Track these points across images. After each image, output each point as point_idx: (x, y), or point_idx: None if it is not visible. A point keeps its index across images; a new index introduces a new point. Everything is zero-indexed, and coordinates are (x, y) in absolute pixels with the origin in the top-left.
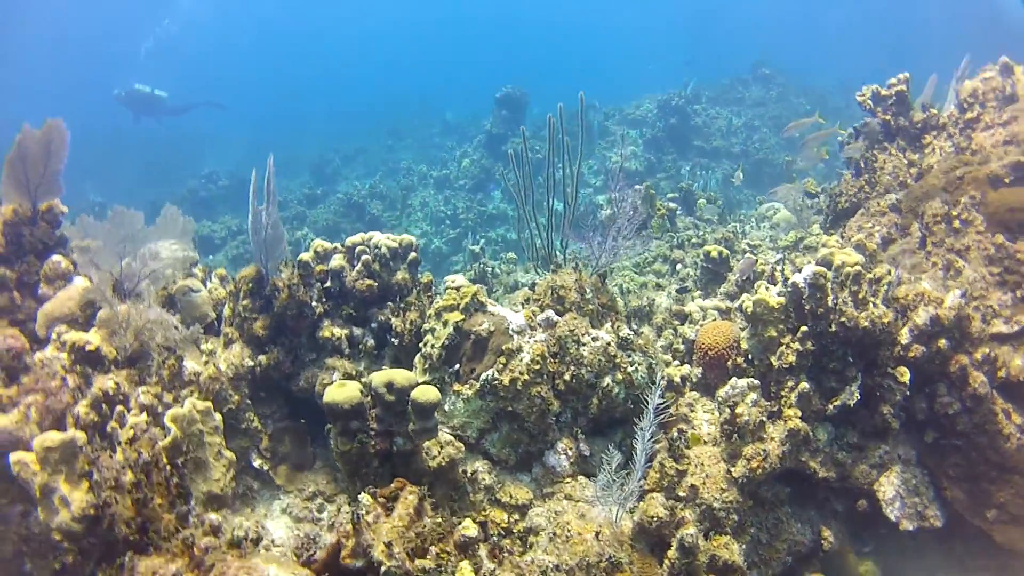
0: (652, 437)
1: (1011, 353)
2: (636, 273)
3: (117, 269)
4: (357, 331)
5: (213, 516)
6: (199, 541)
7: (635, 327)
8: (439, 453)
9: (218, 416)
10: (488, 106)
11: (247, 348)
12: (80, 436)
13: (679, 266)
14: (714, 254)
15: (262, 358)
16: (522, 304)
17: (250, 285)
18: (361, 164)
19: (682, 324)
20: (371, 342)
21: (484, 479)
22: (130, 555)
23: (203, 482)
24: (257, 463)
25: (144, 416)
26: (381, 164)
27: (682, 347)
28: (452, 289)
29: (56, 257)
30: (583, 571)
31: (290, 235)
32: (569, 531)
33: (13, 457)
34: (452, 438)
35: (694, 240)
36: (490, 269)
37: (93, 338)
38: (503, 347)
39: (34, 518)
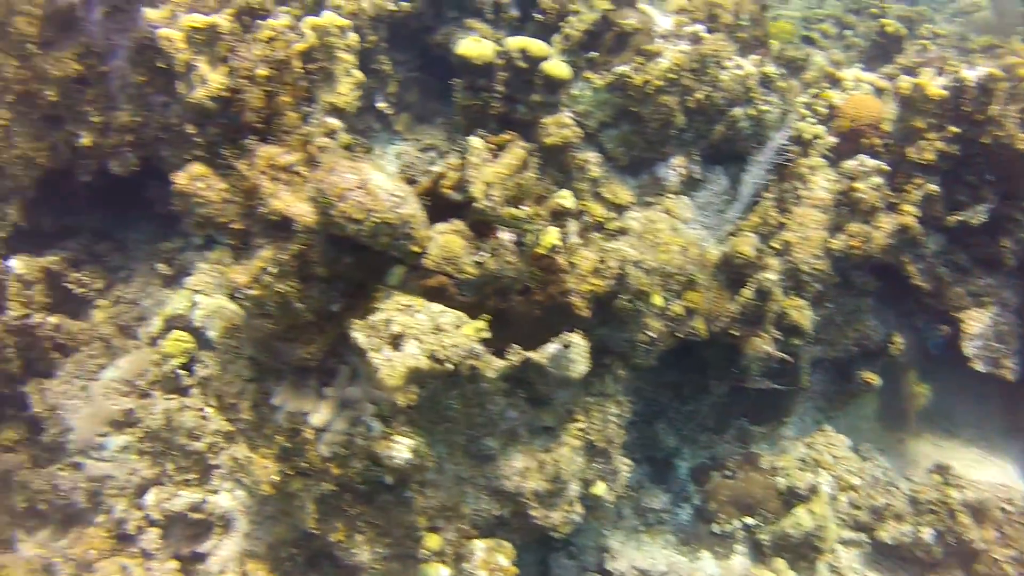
0: (763, 179)
1: None
2: (802, 26)
3: None
4: None
5: (332, 120)
6: (315, 139)
7: (782, 72)
8: (556, 132)
9: (354, 36)
10: None
11: None
12: (223, 23)
13: (848, 32)
14: (890, 30)
15: (404, 4)
16: (674, 13)
17: None
18: None
19: (831, 88)
20: (515, 12)
21: (593, 171)
22: (253, 139)
23: (329, 93)
24: (381, 105)
25: (284, 20)
26: None
27: (824, 110)
28: None
29: None
30: (659, 276)
31: None
32: (658, 239)
33: (161, 32)
34: (572, 122)
35: (873, 11)
36: None
37: None
38: (644, 47)
39: (173, 109)
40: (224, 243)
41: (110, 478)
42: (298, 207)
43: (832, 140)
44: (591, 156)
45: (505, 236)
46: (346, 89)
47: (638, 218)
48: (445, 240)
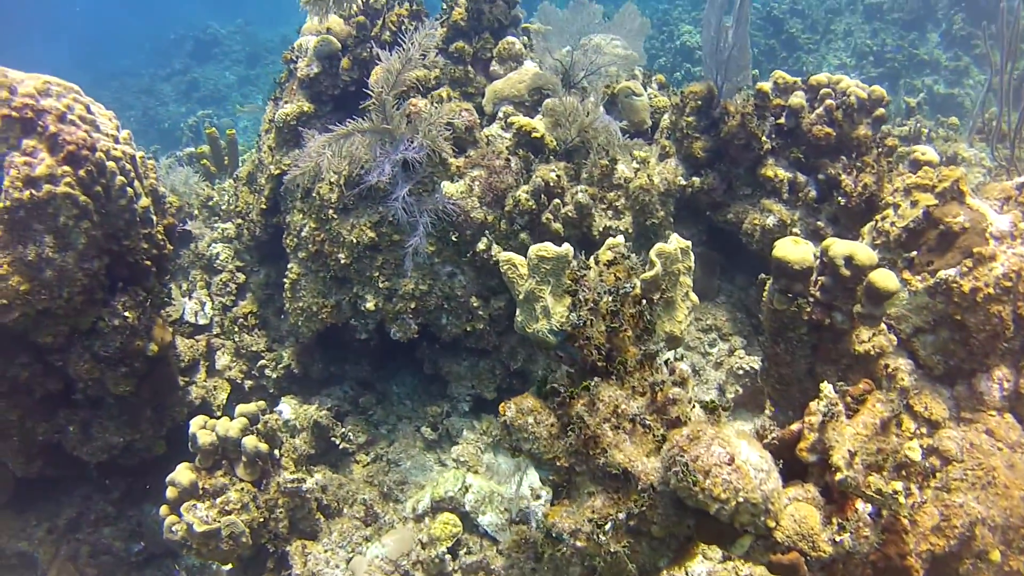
0: None
1: None
2: None
3: (567, 58)
4: (801, 178)
5: (683, 366)
6: (667, 390)
7: None
8: (869, 340)
9: (691, 257)
10: None
11: (682, 166)
12: (569, 250)
13: None
14: None
15: (695, 180)
16: (1000, 202)
17: (698, 103)
18: None
19: None
20: (813, 193)
21: (902, 380)
22: (596, 380)
23: (667, 321)
24: None
25: (622, 239)
26: None
27: None
28: (928, 167)
29: (511, 38)
30: (1000, 531)
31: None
32: (993, 478)
33: (504, 256)
34: (885, 328)
35: None
36: (925, 131)
37: (539, 126)
38: (974, 249)
39: (458, 279)
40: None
41: None
42: (643, 464)
43: None
44: (902, 363)
45: (862, 507)
46: (682, 315)
47: (955, 438)
48: (800, 512)
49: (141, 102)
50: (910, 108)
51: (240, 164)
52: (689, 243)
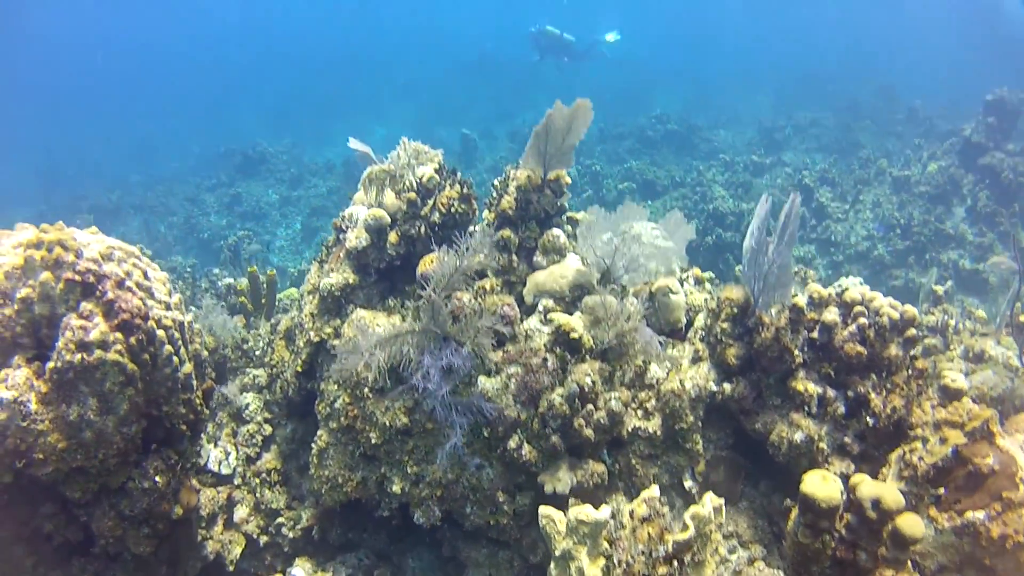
0: None
1: None
2: None
3: (608, 246)
4: (830, 393)
5: None
6: None
7: None
8: None
9: (724, 511)
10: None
11: (713, 371)
12: (607, 515)
13: None
14: None
15: (726, 386)
16: None
17: (734, 310)
18: (813, 138)
19: None
20: (841, 409)
21: None
22: None
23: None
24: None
25: (657, 490)
26: (835, 143)
27: None
28: (958, 401)
29: (556, 231)
30: None
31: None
32: None
33: (544, 511)
34: (909, 563)
35: None
36: (952, 322)
37: (578, 326)
38: (1003, 493)
39: (485, 472)
40: None
41: None
42: None
43: None
44: None
45: None
46: (710, 571)
47: None
48: None
49: (185, 209)
50: (937, 296)
51: (276, 303)
52: (722, 501)
